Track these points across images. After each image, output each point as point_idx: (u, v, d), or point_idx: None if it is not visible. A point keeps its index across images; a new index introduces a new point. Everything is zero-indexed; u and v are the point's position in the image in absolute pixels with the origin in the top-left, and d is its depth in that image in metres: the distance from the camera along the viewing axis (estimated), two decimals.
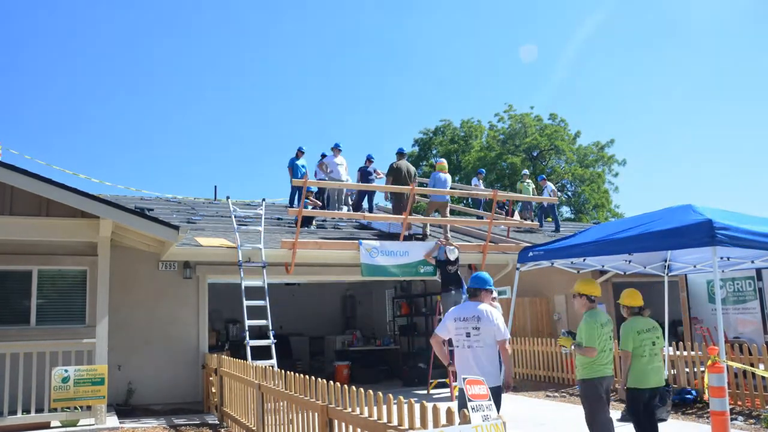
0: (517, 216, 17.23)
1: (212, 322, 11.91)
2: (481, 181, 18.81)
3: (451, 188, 19.58)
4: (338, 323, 18.14)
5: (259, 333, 10.98)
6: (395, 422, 4.05)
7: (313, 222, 14.04)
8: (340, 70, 61.13)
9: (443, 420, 3.68)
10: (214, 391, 9.48)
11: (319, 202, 14.19)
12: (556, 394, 11.21)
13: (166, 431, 8.40)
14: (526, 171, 21.26)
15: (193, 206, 16.02)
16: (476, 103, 58.70)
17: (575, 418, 8.75)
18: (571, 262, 8.80)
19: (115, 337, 9.52)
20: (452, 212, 22.77)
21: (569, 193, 35.41)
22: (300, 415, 5.47)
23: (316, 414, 5.03)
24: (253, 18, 59.18)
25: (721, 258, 8.29)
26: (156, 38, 57.50)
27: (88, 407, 8.09)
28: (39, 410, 8.03)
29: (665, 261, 9.43)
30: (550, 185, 17.53)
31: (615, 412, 9.26)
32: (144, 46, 56.58)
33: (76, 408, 8.05)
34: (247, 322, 9.99)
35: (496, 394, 5.19)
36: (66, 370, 7.83)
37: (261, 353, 9.85)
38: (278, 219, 14.94)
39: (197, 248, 10.45)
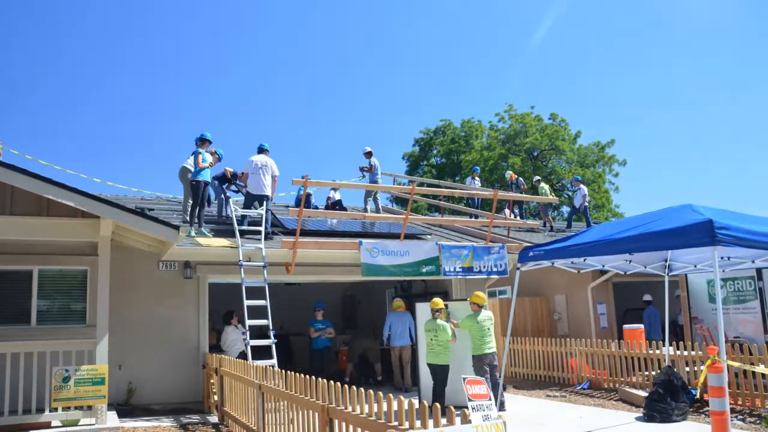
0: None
1: (213, 321, 11.90)
2: (476, 180, 18.89)
3: (450, 188, 19.62)
4: (338, 323, 18.12)
5: (260, 333, 10.97)
6: (395, 422, 4.05)
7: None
8: (341, 69, 61.17)
9: (443, 419, 3.68)
10: (214, 390, 9.48)
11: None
12: (556, 394, 11.21)
13: (167, 431, 8.41)
14: (538, 177, 21.89)
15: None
16: (476, 103, 58.74)
17: (576, 418, 8.75)
18: (572, 262, 8.80)
19: (115, 337, 9.51)
20: (452, 212, 22.83)
21: (569, 194, 35.42)
22: (300, 414, 5.48)
23: (317, 414, 5.03)
24: (254, 16, 59.24)
25: (722, 258, 8.30)
26: (156, 38, 57.53)
27: (89, 407, 8.09)
28: (39, 410, 8.03)
29: (666, 261, 9.43)
30: (584, 188, 18.05)
31: (620, 413, 9.26)
32: (144, 47, 56.62)
33: (76, 408, 8.05)
34: (248, 322, 9.98)
35: None
36: (66, 370, 7.83)
37: (261, 353, 9.85)
38: (279, 219, 14.92)
39: (198, 248, 10.44)
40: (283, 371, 6.09)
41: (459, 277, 12.10)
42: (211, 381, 9.82)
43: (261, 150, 12.19)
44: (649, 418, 8.38)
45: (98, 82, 55.35)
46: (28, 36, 51.90)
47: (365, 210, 15.53)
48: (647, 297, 14.63)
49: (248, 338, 9.81)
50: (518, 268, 8.98)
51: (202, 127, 55.68)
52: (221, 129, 57.81)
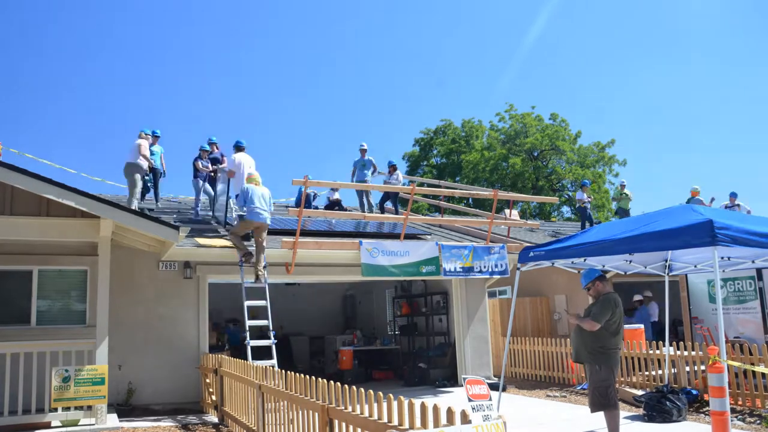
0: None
1: (213, 321, 11.89)
2: (585, 194, 17.03)
3: (450, 188, 19.61)
4: (338, 323, 18.13)
5: (260, 333, 10.97)
6: (395, 422, 4.04)
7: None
8: (340, 69, 61.16)
9: (443, 420, 3.67)
10: (211, 390, 9.48)
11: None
12: (556, 394, 11.21)
13: (167, 431, 8.41)
14: (623, 181, 19.36)
15: (193, 206, 16.00)
16: (477, 103, 58.72)
17: (575, 419, 8.75)
18: (572, 262, 8.79)
19: (115, 337, 9.51)
20: (453, 212, 22.80)
21: (569, 194, 35.41)
22: (300, 414, 5.47)
23: (317, 414, 5.03)
24: (254, 15, 59.22)
25: (722, 258, 8.29)
26: (158, 36, 57.54)
27: (89, 407, 8.09)
28: (39, 410, 8.03)
29: (666, 261, 9.42)
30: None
31: (620, 413, 9.26)
32: (144, 46, 56.62)
33: (76, 408, 8.05)
34: (248, 322, 9.98)
35: None
36: (66, 370, 7.83)
37: (261, 353, 9.86)
38: (279, 219, 14.93)
39: (197, 248, 10.45)
40: (283, 371, 6.09)
41: (459, 277, 12.10)
42: (207, 381, 9.82)
43: (239, 148, 12.09)
44: (649, 418, 8.38)
45: (96, 79, 55.38)
46: (25, 32, 51.95)
47: (363, 209, 15.52)
48: (638, 296, 14.29)
49: (248, 338, 9.82)
50: (518, 268, 8.97)
51: (200, 126, 55.71)
52: (220, 129, 57.87)
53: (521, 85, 57.49)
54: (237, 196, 11.27)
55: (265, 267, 10.46)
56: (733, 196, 17.49)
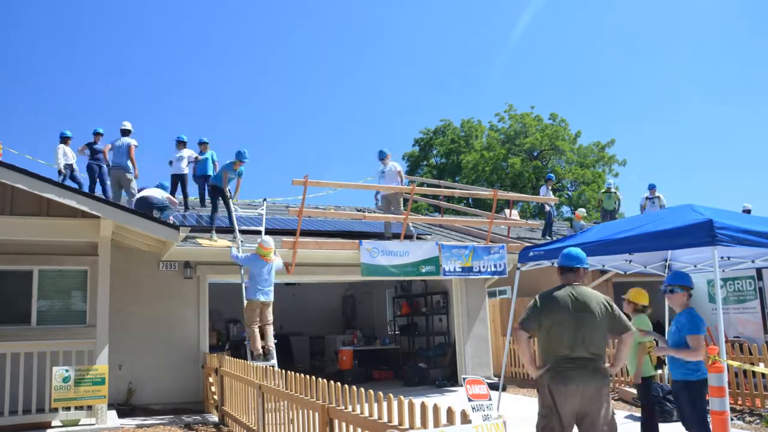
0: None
1: (213, 321, 11.89)
2: (549, 189, 16.55)
3: (450, 188, 19.63)
4: (338, 323, 18.14)
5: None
6: (395, 422, 4.05)
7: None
8: (340, 70, 61.17)
9: (444, 420, 3.67)
10: (213, 390, 9.49)
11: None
12: None
13: (167, 431, 8.41)
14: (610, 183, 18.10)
15: (194, 206, 16.01)
16: (476, 103, 58.72)
17: None
18: None
19: (115, 337, 9.51)
20: (453, 212, 22.82)
21: (569, 194, 35.41)
22: (300, 414, 5.48)
23: (317, 413, 5.03)
24: (252, 16, 59.24)
25: (722, 258, 8.30)
26: (154, 39, 57.56)
27: (89, 407, 8.10)
28: (39, 410, 8.04)
29: (665, 261, 9.43)
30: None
31: (620, 413, 9.27)
32: (144, 45, 56.66)
33: (76, 408, 8.05)
34: None
35: None
36: (66, 370, 7.83)
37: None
38: (279, 219, 14.93)
39: (198, 248, 10.45)
40: (283, 371, 6.09)
41: (459, 277, 12.11)
42: (210, 381, 9.83)
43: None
44: None
45: (97, 78, 55.44)
46: (25, 30, 51.98)
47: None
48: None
49: (248, 339, 9.81)
50: (518, 268, 8.98)
51: (200, 127, 55.77)
52: (220, 129, 57.88)
53: (521, 85, 57.55)
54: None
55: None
56: (652, 187, 16.66)
